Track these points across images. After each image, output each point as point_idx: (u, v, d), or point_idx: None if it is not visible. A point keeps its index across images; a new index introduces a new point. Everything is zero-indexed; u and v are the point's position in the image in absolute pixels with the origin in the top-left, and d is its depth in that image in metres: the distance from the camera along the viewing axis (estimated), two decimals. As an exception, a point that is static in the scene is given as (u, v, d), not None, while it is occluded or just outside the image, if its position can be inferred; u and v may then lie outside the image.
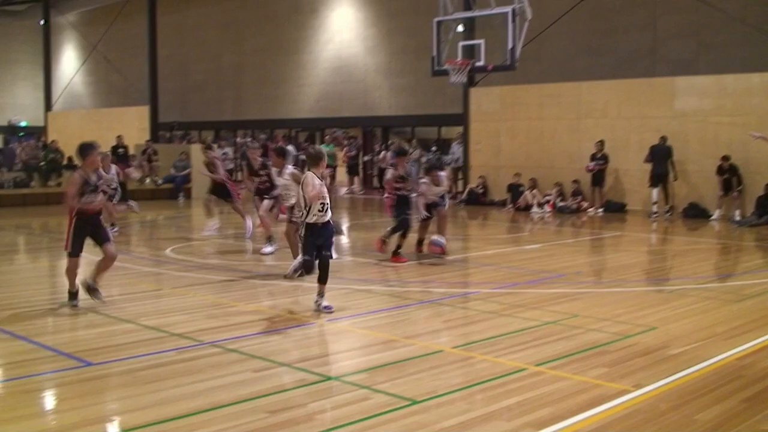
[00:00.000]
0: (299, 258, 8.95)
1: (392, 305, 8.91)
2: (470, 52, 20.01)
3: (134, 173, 25.08)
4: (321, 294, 8.38)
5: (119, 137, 26.36)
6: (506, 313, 8.56)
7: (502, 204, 21.75)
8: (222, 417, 5.22)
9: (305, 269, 8.32)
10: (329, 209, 8.27)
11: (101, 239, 8.60)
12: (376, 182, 28.63)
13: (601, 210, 20.48)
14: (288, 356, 6.65)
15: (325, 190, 8.17)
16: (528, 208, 21.15)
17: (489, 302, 9.14)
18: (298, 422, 5.17)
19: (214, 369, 6.28)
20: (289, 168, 11.06)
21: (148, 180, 26.43)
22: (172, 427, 5.05)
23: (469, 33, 21.48)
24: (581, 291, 9.91)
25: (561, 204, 21.03)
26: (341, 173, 29.05)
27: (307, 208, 8.16)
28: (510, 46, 18.28)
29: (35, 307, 8.91)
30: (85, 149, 8.54)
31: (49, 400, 5.83)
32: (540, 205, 21.05)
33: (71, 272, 8.63)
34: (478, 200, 22.65)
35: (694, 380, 6.09)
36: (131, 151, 27.25)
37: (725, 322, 8.11)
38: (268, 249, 12.64)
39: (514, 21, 18.21)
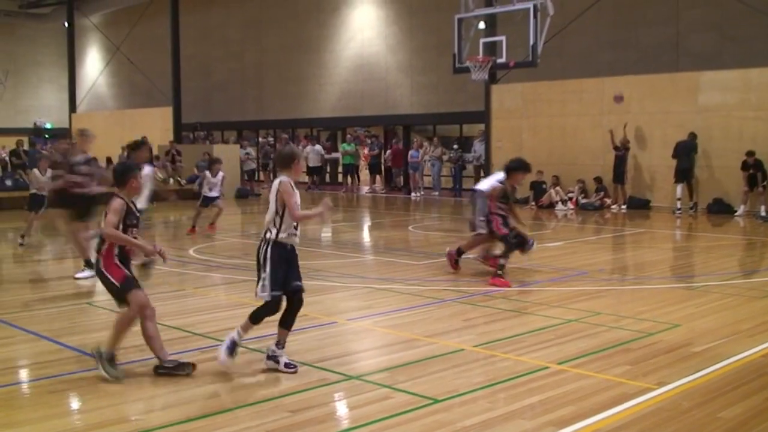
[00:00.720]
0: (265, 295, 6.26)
1: (413, 304, 8.90)
2: (492, 48, 19.94)
3: (158, 174, 25.26)
4: (281, 344, 6.34)
5: (144, 138, 26.51)
6: (528, 311, 8.54)
7: (525, 201, 21.70)
8: (244, 416, 5.25)
9: (271, 310, 6.29)
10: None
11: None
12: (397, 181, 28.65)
13: (624, 207, 20.35)
14: (309, 355, 6.67)
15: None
16: (551, 205, 21.07)
17: (511, 300, 9.12)
18: (320, 421, 5.19)
19: (237, 368, 6.31)
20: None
21: (171, 180, 26.61)
22: (194, 426, 5.09)
23: (490, 29, 21.41)
24: (604, 288, 9.86)
25: (584, 201, 20.93)
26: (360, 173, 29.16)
27: (280, 222, 6.22)
28: (532, 42, 18.20)
29: (59, 307, 9.00)
30: (125, 173, 6.30)
31: (74, 400, 5.88)
32: (563, 202, 20.96)
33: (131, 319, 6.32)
34: (500, 198, 22.55)
35: (717, 378, 6.04)
36: (155, 152, 27.43)
37: (750, 319, 8.04)
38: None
39: (535, 17, 18.12)
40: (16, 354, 7.14)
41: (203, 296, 9.51)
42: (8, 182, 23.53)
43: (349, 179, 28.46)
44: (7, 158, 25.48)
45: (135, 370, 6.35)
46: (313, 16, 30.83)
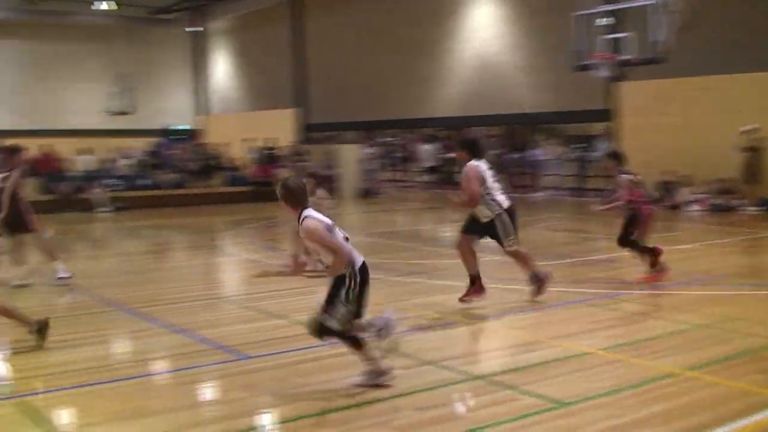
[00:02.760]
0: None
1: (539, 305, 8.83)
2: (614, 45, 19.48)
3: (282, 174, 25.88)
4: None
5: (269, 139, 27.32)
6: (657, 314, 8.34)
7: (656, 201, 21.03)
8: (370, 413, 5.37)
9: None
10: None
11: None
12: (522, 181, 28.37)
13: (758, 208, 19.50)
14: (433, 354, 6.73)
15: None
16: (680, 206, 20.42)
17: (639, 303, 8.92)
18: (443, 420, 5.24)
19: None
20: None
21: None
22: (324, 420, 5.23)
23: (613, 26, 20.91)
24: (736, 293, 9.50)
25: (715, 202, 20.18)
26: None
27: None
28: (657, 37, 17.63)
29: (194, 301, 9.38)
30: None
31: (207, 391, 6.14)
32: (693, 203, 20.27)
33: None
34: (626, 198, 22.00)
35: None
36: (280, 153, 28.18)
37: None
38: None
39: (661, 11, 17.55)
40: (150, 346, 7.51)
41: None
42: (143, 182, 24.64)
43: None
44: (138, 159, 26.64)
45: (267, 364, 6.56)
46: (433, 18, 30.90)
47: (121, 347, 7.77)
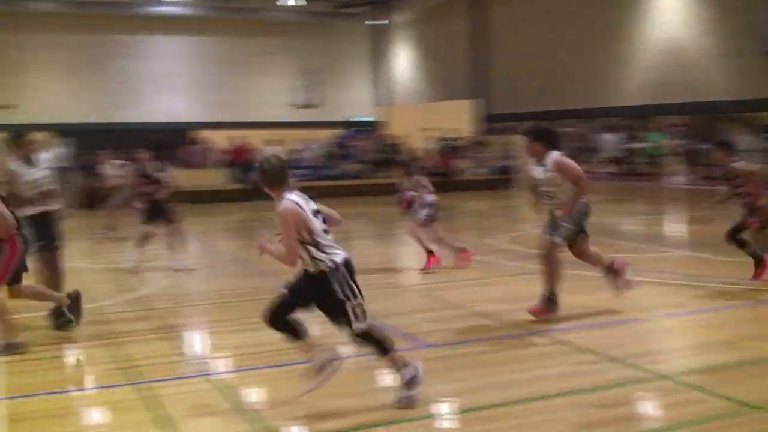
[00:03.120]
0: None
1: (728, 303, 8.39)
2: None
3: (461, 164, 26.05)
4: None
5: (449, 130, 27.52)
6: None
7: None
8: (551, 407, 5.31)
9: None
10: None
11: None
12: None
13: None
14: (617, 351, 6.55)
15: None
16: None
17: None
18: (627, 419, 5.11)
19: (544, 359, 6.38)
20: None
21: (471, 170, 27.37)
22: (502, 412, 5.24)
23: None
24: None
25: None
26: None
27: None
28: None
29: (377, 289, 9.57)
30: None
31: (387, 378, 6.28)
32: None
33: None
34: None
35: None
36: (460, 144, 28.33)
37: None
38: None
39: None
40: (334, 331, 7.74)
41: (506, 285, 9.69)
42: (328, 172, 25.49)
43: (656, 169, 27.37)
44: (324, 150, 27.54)
45: (447, 353, 6.63)
46: (620, 3, 29.93)
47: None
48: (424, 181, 10.84)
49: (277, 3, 35.24)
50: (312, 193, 5.58)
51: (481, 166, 27.87)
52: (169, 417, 5.24)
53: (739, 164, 9.15)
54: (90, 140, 25.61)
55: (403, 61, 41.00)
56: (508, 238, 14.00)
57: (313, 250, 5.26)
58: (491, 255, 11.97)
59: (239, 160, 25.28)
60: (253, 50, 36.90)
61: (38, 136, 10.35)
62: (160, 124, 31.72)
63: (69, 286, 7.93)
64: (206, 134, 28.86)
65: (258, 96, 36.39)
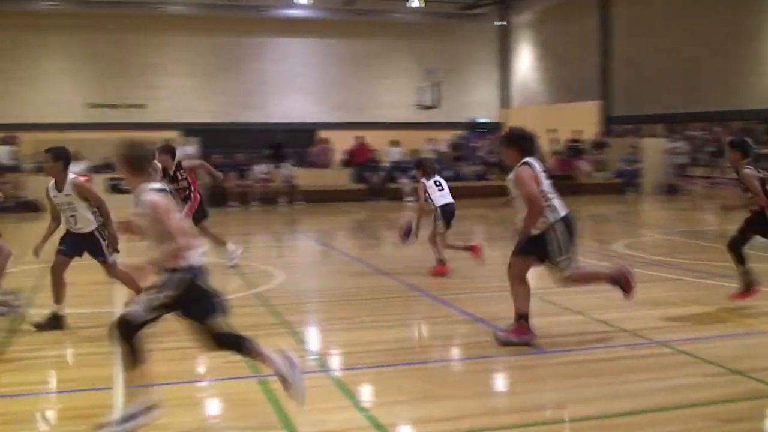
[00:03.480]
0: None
1: None
2: None
3: (585, 167, 25.63)
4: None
5: (574, 132, 27.10)
6: None
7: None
8: (669, 419, 5.19)
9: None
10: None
11: None
12: None
13: None
14: (742, 363, 6.32)
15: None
16: None
17: None
18: (754, 434, 4.97)
19: (665, 369, 6.24)
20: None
21: (596, 174, 26.87)
22: (617, 423, 5.15)
23: None
24: None
25: None
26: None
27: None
28: None
29: (493, 292, 9.57)
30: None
31: (501, 381, 6.30)
32: None
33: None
34: None
35: None
36: (583, 146, 27.87)
37: None
38: None
39: None
40: (447, 332, 7.88)
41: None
42: (446, 173, 25.50)
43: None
44: (443, 151, 27.62)
45: (563, 360, 6.59)
46: (752, 1, 28.73)
47: (421, 331, 8.22)
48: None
49: (406, 4, 35.45)
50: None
51: (603, 170, 27.32)
52: (290, 411, 5.42)
53: (747, 170, 8.35)
54: (216, 139, 26.66)
55: (526, 62, 40.63)
56: (625, 243, 13.68)
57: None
58: (609, 261, 11.74)
59: (360, 159, 25.67)
60: (375, 52, 37.34)
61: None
62: (283, 124, 32.57)
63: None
64: (328, 135, 29.42)
65: (380, 97, 36.80)
